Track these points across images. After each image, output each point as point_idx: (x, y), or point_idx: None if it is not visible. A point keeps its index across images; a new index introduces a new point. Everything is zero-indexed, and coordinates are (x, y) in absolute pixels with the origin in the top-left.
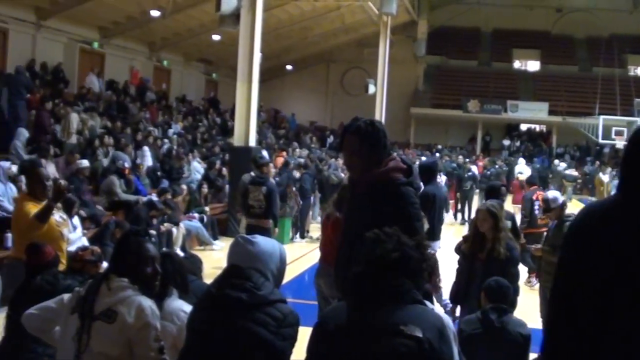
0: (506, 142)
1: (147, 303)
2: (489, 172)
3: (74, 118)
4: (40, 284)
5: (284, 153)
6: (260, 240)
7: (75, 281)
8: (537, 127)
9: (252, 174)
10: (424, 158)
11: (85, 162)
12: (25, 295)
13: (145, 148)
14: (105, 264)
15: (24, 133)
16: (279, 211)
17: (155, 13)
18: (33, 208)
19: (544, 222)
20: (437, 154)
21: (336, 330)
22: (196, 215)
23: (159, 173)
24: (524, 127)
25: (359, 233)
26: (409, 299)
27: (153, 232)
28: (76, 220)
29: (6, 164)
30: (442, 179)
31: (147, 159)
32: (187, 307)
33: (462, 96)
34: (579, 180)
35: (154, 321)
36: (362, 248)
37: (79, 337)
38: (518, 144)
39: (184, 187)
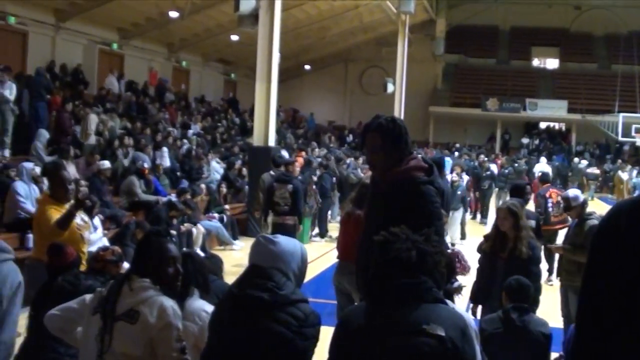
0: (525, 141)
1: (169, 303)
2: (506, 171)
3: (93, 119)
4: (62, 285)
5: (303, 153)
6: (282, 239)
7: (96, 281)
8: (557, 125)
9: (272, 173)
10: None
11: (106, 163)
12: (47, 296)
13: (164, 149)
14: (126, 264)
15: (44, 134)
16: (301, 209)
17: (173, 14)
18: (54, 212)
19: (557, 219)
20: (456, 153)
21: (357, 330)
22: (216, 215)
23: (178, 173)
24: (543, 125)
25: (380, 232)
26: (430, 297)
27: (173, 232)
28: (97, 220)
29: (29, 165)
30: (465, 178)
31: (165, 160)
32: (209, 307)
33: (481, 94)
34: (600, 179)
35: (176, 321)
36: (375, 250)
37: (102, 338)
38: (537, 142)
39: (203, 186)
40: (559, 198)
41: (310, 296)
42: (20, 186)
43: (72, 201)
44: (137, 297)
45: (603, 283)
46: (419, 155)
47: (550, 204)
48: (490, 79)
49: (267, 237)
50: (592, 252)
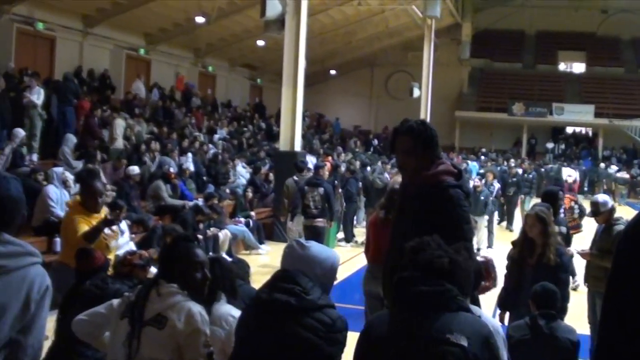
0: (550, 145)
1: (197, 309)
2: (530, 176)
3: (120, 124)
4: (89, 289)
5: (330, 158)
6: (314, 245)
7: (124, 285)
8: (583, 130)
9: (295, 178)
10: (473, 163)
11: (136, 169)
12: (74, 300)
13: (189, 153)
14: (153, 269)
15: (71, 139)
16: (335, 211)
17: (200, 19)
18: (82, 222)
19: (570, 224)
20: (483, 157)
21: (381, 337)
22: (242, 219)
23: (204, 178)
24: (569, 129)
25: (409, 237)
26: (454, 306)
27: (200, 236)
28: (123, 225)
29: (60, 169)
30: (496, 185)
31: (189, 164)
32: (236, 312)
33: (507, 99)
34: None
35: (204, 327)
36: (406, 255)
37: (129, 343)
38: (563, 146)
39: (228, 191)
40: (572, 203)
41: (335, 301)
42: (52, 191)
43: (103, 217)
44: (165, 303)
45: (628, 287)
46: (448, 161)
47: (562, 209)
48: (517, 83)
49: (300, 241)
50: (617, 257)
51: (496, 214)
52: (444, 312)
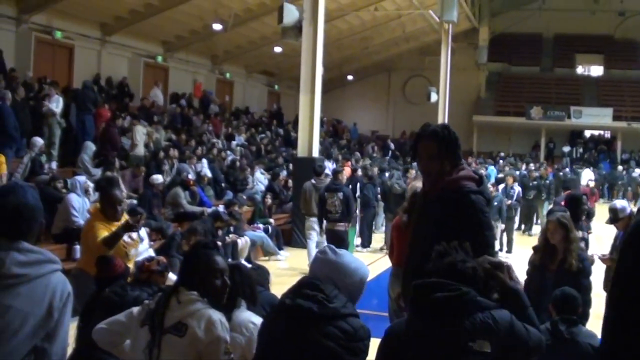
0: (566, 149)
1: (217, 316)
2: (547, 181)
3: (139, 131)
4: (108, 296)
5: (349, 163)
6: (346, 254)
7: (143, 292)
8: (602, 133)
9: (313, 181)
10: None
11: (159, 178)
12: (94, 307)
13: (204, 160)
14: (171, 275)
15: (90, 146)
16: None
17: (217, 26)
18: (102, 229)
19: None
20: (501, 162)
21: (402, 346)
22: (261, 226)
23: (223, 184)
24: (587, 133)
25: (429, 241)
26: (473, 308)
27: (218, 243)
28: (143, 232)
29: (82, 178)
30: (516, 189)
31: (206, 170)
32: (256, 319)
33: (525, 103)
34: None
35: (224, 334)
36: (432, 260)
37: (150, 351)
38: (581, 150)
39: (244, 197)
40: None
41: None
42: (75, 199)
43: (122, 223)
44: (185, 310)
45: (630, 288)
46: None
47: None
48: (534, 87)
49: (332, 247)
50: (620, 258)
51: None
52: (463, 317)
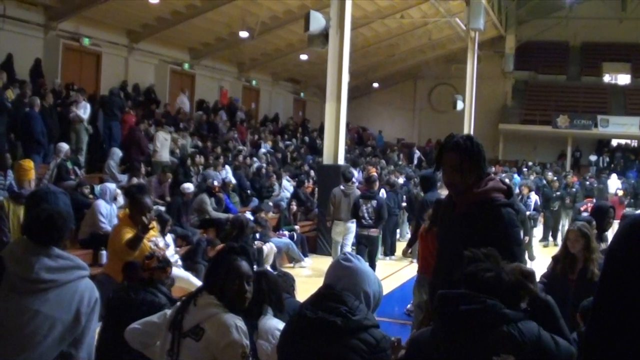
0: (593, 158)
1: (232, 321)
2: (573, 189)
3: (160, 137)
4: (115, 298)
5: (375, 169)
6: (364, 262)
7: (148, 294)
8: (629, 142)
9: (342, 187)
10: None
11: (190, 187)
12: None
13: (227, 166)
14: (174, 270)
15: (117, 152)
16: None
17: (244, 34)
18: (129, 234)
19: None
20: (526, 170)
21: (426, 357)
22: (286, 233)
23: (248, 191)
24: (614, 142)
25: (457, 259)
26: (499, 321)
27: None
28: (169, 238)
29: (112, 186)
30: (533, 198)
31: (230, 177)
32: (282, 326)
33: (552, 111)
34: None
35: (240, 339)
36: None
37: (171, 353)
38: (608, 159)
39: (271, 204)
40: None
41: (376, 315)
42: (103, 206)
43: (140, 225)
44: (202, 314)
45: (614, 289)
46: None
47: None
48: (561, 95)
49: (350, 254)
50: (606, 260)
51: (538, 229)
52: (488, 330)
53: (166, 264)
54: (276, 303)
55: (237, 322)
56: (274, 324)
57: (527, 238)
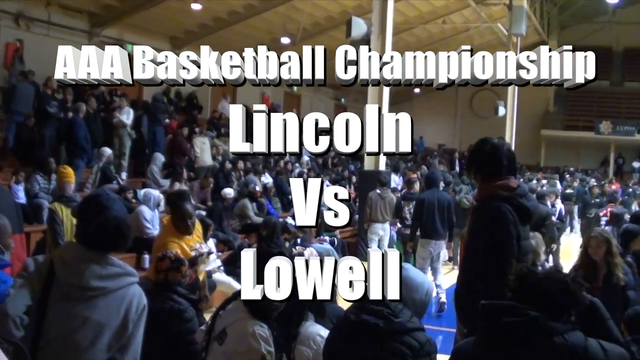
0: (636, 165)
1: (252, 327)
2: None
3: (198, 142)
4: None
5: (416, 174)
6: (410, 268)
7: (166, 301)
8: None
9: (378, 191)
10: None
11: (231, 192)
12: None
13: (266, 173)
14: (216, 275)
15: (160, 158)
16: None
17: (285, 40)
18: (173, 244)
19: None
20: (568, 177)
21: None
22: (327, 238)
23: (290, 197)
24: None
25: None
26: (543, 334)
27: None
28: (210, 243)
29: (156, 193)
30: (558, 207)
31: (269, 182)
32: (324, 332)
33: (594, 117)
34: None
35: (258, 346)
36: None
37: (201, 357)
38: None
39: None
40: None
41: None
42: (147, 211)
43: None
44: (228, 319)
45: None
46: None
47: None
48: (604, 101)
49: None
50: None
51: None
52: (532, 343)
53: (180, 263)
54: (317, 309)
55: (256, 329)
56: (316, 330)
57: (554, 246)
